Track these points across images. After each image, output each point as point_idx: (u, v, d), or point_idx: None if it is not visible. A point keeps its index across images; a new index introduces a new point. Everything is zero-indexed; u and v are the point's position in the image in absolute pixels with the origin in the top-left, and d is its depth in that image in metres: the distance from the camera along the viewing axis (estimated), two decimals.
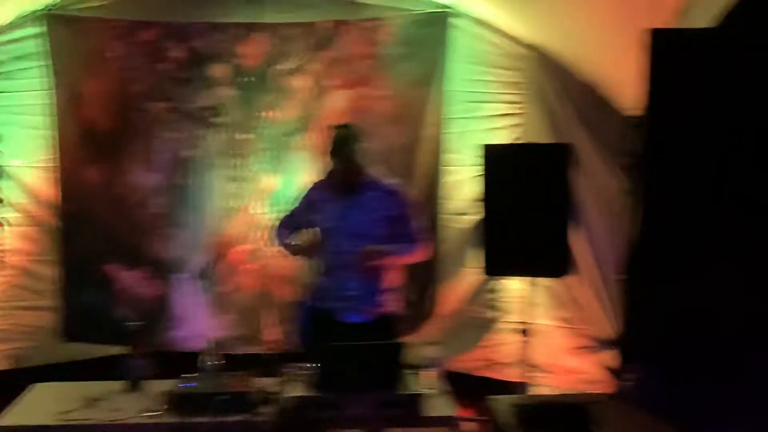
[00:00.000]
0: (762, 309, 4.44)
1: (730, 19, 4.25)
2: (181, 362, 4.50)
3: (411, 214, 4.48)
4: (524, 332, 5.02)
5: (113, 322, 5.50)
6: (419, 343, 4.18)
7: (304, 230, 4.43)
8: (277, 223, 4.60)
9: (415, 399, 3.67)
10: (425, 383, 3.99)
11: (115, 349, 5.42)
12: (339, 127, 4.47)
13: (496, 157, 4.91)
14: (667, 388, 4.96)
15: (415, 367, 3.99)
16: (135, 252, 5.60)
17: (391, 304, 4.52)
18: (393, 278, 4.50)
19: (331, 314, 4.41)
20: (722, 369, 4.70)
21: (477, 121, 5.71)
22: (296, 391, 3.71)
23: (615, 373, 5.45)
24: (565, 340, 5.61)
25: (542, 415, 2.93)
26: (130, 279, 5.58)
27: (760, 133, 3.54)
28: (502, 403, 3.21)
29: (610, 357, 5.50)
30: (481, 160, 4.90)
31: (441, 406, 3.84)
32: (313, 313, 4.47)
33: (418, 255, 4.52)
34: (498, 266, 4.95)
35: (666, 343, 5.08)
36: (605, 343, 5.50)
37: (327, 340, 4.22)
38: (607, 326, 5.51)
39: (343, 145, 4.35)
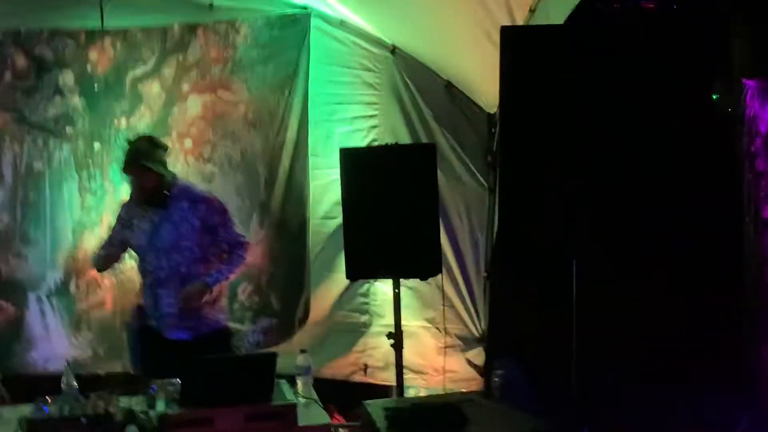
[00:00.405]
0: (625, 301, 4.60)
1: (580, 15, 4.36)
2: (41, 385, 4.33)
3: (226, 220, 4.39)
4: (389, 336, 4.99)
5: None
6: (291, 352, 4.09)
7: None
8: (97, 253, 4.49)
9: (289, 409, 3.59)
10: (298, 392, 3.93)
11: None
12: (131, 141, 4.35)
13: (355, 160, 4.85)
14: (532, 383, 5.06)
15: (288, 377, 3.91)
16: None
17: (215, 317, 4.43)
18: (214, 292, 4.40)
19: (157, 333, 4.32)
20: (586, 362, 4.83)
21: (339, 123, 5.65)
22: (164, 408, 3.56)
23: (482, 370, 5.52)
24: (434, 341, 5.62)
25: (416, 417, 2.90)
26: None
27: (610, 126, 3.62)
28: (376, 407, 3.17)
29: (477, 355, 5.57)
30: (340, 164, 4.84)
31: (315, 414, 3.78)
32: (141, 332, 4.39)
33: (240, 264, 4.47)
34: (361, 269, 4.89)
35: (529, 339, 5.19)
36: (471, 342, 5.55)
37: (156, 360, 4.20)
38: (471, 325, 5.56)
39: (133, 160, 4.23)
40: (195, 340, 4.29)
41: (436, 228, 4.82)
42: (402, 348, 4.98)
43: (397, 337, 4.95)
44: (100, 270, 4.68)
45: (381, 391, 5.83)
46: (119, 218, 4.37)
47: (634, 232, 3.83)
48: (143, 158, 4.23)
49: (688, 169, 3.69)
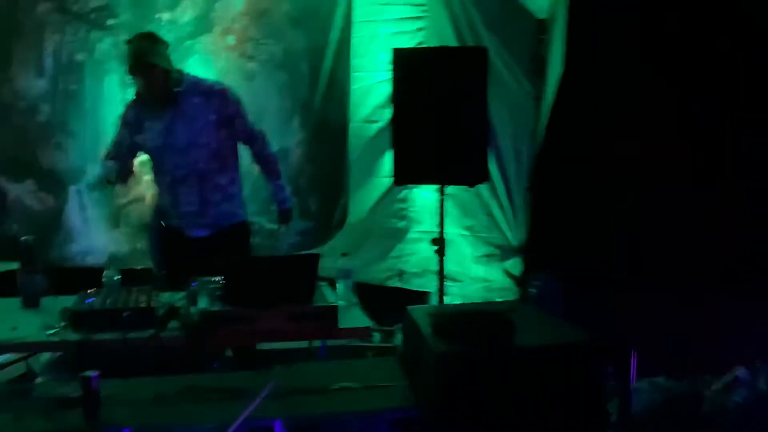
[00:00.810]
0: (660, 224, 4.55)
1: None
2: (78, 278, 4.34)
3: (241, 112, 4.23)
4: (434, 242, 4.96)
5: (2, 237, 5.26)
6: (331, 255, 4.06)
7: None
8: (104, 155, 4.27)
9: (330, 311, 3.58)
10: (338, 295, 3.92)
11: (3, 265, 5.23)
12: (130, 41, 4.10)
13: (407, 62, 4.72)
14: (569, 296, 5.04)
15: (328, 279, 3.90)
16: (23, 163, 5.27)
17: (234, 212, 4.33)
18: (232, 186, 4.30)
19: (177, 231, 4.24)
20: (622, 282, 4.80)
21: (384, 24, 5.53)
22: (205, 305, 3.56)
23: (519, 281, 5.49)
24: (472, 249, 5.59)
25: (461, 323, 2.86)
26: (18, 192, 5.27)
27: None
28: (420, 312, 3.13)
29: (514, 265, 5.53)
30: (392, 65, 4.72)
31: (355, 317, 3.78)
32: (162, 231, 4.30)
33: (277, 160, 4.41)
34: (408, 174, 4.82)
35: (569, 252, 5.15)
36: (510, 252, 5.51)
37: (177, 258, 4.17)
38: (510, 235, 5.51)
39: (138, 59, 4.01)
40: (215, 236, 4.22)
41: (485, 134, 4.74)
42: (444, 255, 4.95)
43: (440, 243, 4.90)
44: (112, 183, 4.28)
45: (416, 297, 5.85)
46: (126, 123, 4.18)
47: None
48: (148, 56, 4.02)
49: None
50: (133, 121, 4.15)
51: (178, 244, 4.23)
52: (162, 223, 4.28)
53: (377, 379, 3.05)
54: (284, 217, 4.40)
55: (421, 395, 2.82)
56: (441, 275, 4.94)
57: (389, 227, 5.77)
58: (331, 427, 2.77)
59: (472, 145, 4.66)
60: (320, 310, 3.57)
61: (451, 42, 5.30)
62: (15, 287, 3.90)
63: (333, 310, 3.57)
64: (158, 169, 4.22)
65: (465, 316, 2.95)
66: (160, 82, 4.04)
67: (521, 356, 2.70)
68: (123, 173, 4.21)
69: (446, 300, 5.57)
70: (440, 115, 4.62)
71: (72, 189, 5.30)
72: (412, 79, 4.66)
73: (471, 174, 4.76)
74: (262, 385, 2.79)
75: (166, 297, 3.77)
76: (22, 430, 2.57)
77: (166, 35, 5.04)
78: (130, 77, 4.09)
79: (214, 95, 4.14)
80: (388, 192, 5.69)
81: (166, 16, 5.21)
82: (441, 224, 4.90)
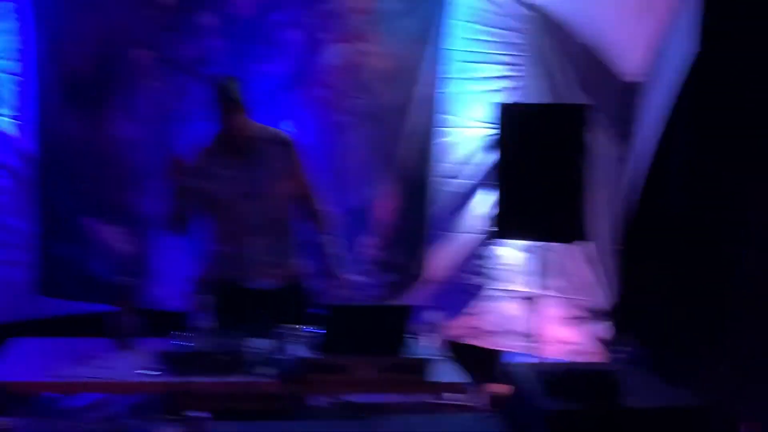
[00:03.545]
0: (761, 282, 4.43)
1: None
2: (163, 321, 4.36)
3: (303, 162, 4.26)
4: (521, 300, 4.93)
5: (91, 279, 5.33)
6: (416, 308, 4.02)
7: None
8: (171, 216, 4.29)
9: (423, 364, 3.56)
10: (428, 348, 3.89)
11: (91, 306, 5.30)
12: (221, 80, 4.14)
13: (513, 117, 4.78)
14: (659, 361, 4.91)
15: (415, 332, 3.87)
16: (116, 207, 5.36)
17: (300, 265, 4.31)
18: (298, 238, 4.30)
19: (235, 283, 4.19)
20: (718, 346, 4.67)
21: (474, 81, 5.56)
22: (296, 352, 3.56)
23: (607, 344, 5.39)
24: (557, 310, 5.51)
25: (570, 380, 2.81)
26: (109, 234, 5.35)
27: None
28: (522, 368, 3.09)
29: (603, 328, 5.44)
30: (497, 120, 4.78)
31: (446, 371, 3.75)
32: (216, 284, 4.21)
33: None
34: (508, 229, 4.84)
35: (660, 316, 5.04)
36: (598, 314, 5.42)
37: (233, 311, 4.07)
38: (600, 297, 5.43)
39: (228, 99, 4.05)
40: (276, 288, 4.19)
41: (582, 192, 4.74)
42: (533, 313, 4.90)
43: (529, 301, 4.87)
44: (179, 234, 4.34)
45: (491, 355, 5.78)
46: (192, 171, 4.12)
47: None
48: (237, 94, 4.08)
49: None
50: (202, 168, 4.14)
51: (238, 297, 4.17)
52: (220, 275, 4.23)
53: None
54: (332, 270, 4.31)
55: None
56: (530, 334, 4.88)
57: (468, 283, 5.73)
58: None
59: (570, 202, 4.65)
60: (413, 362, 3.56)
61: (541, 101, 5.29)
62: (107, 329, 3.95)
63: (427, 363, 3.56)
64: (225, 218, 4.18)
65: (571, 373, 2.89)
66: (242, 126, 4.09)
67: (634, 417, 2.64)
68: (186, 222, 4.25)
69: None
70: (541, 171, 4.67)
71: (159, 234, 5.35)
72: (515, 134, 4.72)
73: (568, 231, 4.74)
74: None
75: (255, 343, 3.78)
76: None
77: (261, 86, 5.20)
78: (213, 117, 4.10)
79: (281, 144, 4.20)
80: (469, 247, 5.66)
81: (261, 67, 5.29)
82: (530, 281, 4.87)
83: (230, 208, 4.14)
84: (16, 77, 5.34)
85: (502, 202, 4.77)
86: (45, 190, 5.34)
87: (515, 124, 4.75)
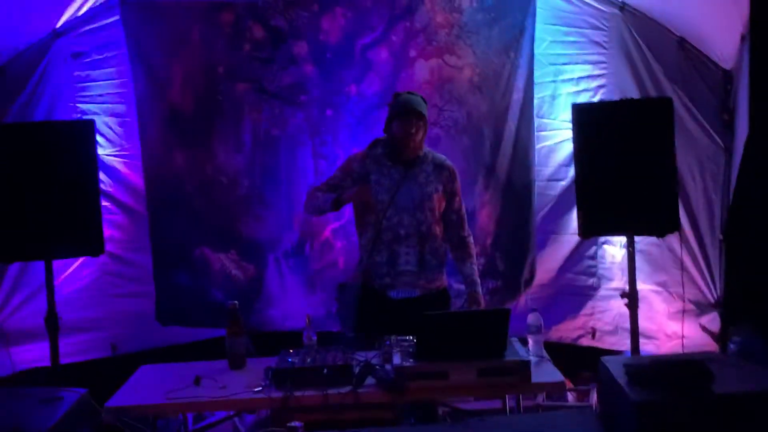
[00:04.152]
0: None
1: None
2: (277, 342, 4.54)
3: (460, 191, 4.45)
4: (623, 295, 4.91)
5: (207, 305, 5.56)
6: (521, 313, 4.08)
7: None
8: (310, 192, 4.51)
9: (523, 366, 3.60)
10: (530, 350, 3.93)
11: (208, 332, 5.53)
12: (399, 94, 4.38)
13: (588, 116, 4.82)
14: None
15: (517, 337, 3.93)
16: (226, 234, 5.58)
17: (444, 277, 4.46)
18: (445, 254, 4.44)
19: (378, 292, 4.35)
20: None
21: (565, 84, 5.60)
22: (398, 360, 3.66)
23: (717, 336, 5.30)
24: (665, 305, 5.46)
25: (658, 371, 2.82)
26: (222, 261, 5.58)
27: None
28: (615, 363, 3.11)
29: (712, 321, 5.35)
30: (573, 120, 4.82)
31: (547, 372, 3.78)
32: (360, 291, 4.39)
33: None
34: (595, 226, 4.85)
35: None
36: (705, 307, 5.34)
37: (375, 320, 4.28)
38: (706, 289, 5.35)
39: (414, 108, 4.25)
40: (420, 298, 4.33)
41: (673, 183, 4.71)
42: (637, 308, 4.89)
43: (632, 296, 4.84)
44: (312, 213, 4.61)
45: (609, 355, 5.75)
46: (349, 171, 4.39)
47: None
48: (422, 107, 4.28)
49: None
50: (358, 172, 4.38)
51: (380, 305, 4.35)
52: (366, 283, 4.39)
53: (575, 430, 3.03)
54: (474, 300, 4.43)
55: None
56: (634, 328, 4.85)
57: (579, 284, 5.73)
58: None
59: (660, 196, 4.63)
60: (512, 365, 3.60)
61: (634, 96, 5.26)
62: (223, 351, 4.15)
63: (525, 365, 3.60)
64: (378, 224, 4.31)
65: (661, 365, 2.91)
66: (420, 138, 4.30)
67: (722, 404, 2.63)
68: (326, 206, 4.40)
69: None
70: (625, 167, 4.66)
71: (270, 257, 5.56)
72: (594, 132, 4.74)
73: (660, 224, 4.72)
74: None
75: (362, 355, 3.91)
76: None
77: (355, 108, 5.36)
78: (390, 126, 4.32)
79: (446, 169, 4.40)
80: (577, 249, 5.68)
81: (353, 89, 5.45)
82: (631, 276, 4.85)
83: (381, 215, 4.30)
84: (123, 119, 5.62)
85: (584, 200, 4.80)
86: (157, 223, 5.58)
87: (590, 122, 4.79)
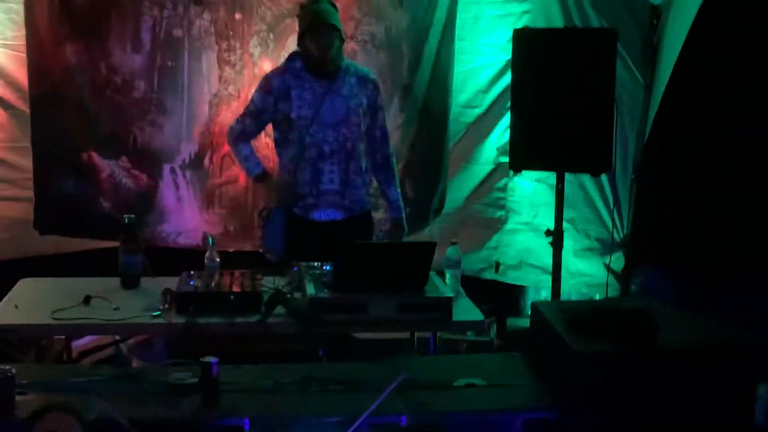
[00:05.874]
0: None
1: None
2: (169, 260, 4.26)
3: (383, 105, 4.29)
4: (548, 233, 4.81)
5: (92, 215, 5.15)
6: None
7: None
8: (234, 127, 4.29)
9: (445, 302, 3.42)
10: (449, 285, 3.76)
11: (92, 243, 5.16)
12: (308, 3, 4.10)
13: (527, 43, 4.61)
14: (674, 290, 4.81)
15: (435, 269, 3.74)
16: (117, 139, 5.11)
17: (368, 199, 4.33)
18: (367, 174, 4.29)
19: (301, 217, 4.15)
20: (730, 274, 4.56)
21: (488, 5, 5.38)
22: (314, 291, 3.42)
23: (620, 276, 5.28)
24: (572, 242, 5.37)
25: (599, 321, 2.67)
26: (111, 168, 5.15)
27: None
28: (549, 307, 2.95)
29: (616, 260, 5.31)
30: (513, 45, 4.62)
31: (466, 309, 3.63)
32: (282, 214, 4.18)
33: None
34: (525, 160, 4.68)
35: (675, 247, 4.92)
36: (612, 246, 5.28)
37: (299, 242, 4.07)
38: (613, 228, 5.29)
39: (324, 20, 4.00)
40: (344, 221, 4.16)
41: (610, 121, 4.54)
42: (561, 247, 4.80)
43: (557, 234, 4.75)
44: (264, 181, 4.36)
45: (511, 290, 5.68)
46: (270, 89, 4.14)
47: None
48: (333, 18, 4.04)
49: None
50: (279, 89, 4.11)
51: (302, 229, 4.15)
52: (286, 205, 4.17)
53: (503, 376, 2.87)
54: (398, 227, 4.31)
55: (559, 396, 2.63)
56: (557, 268, 4.76)
57: (487, 217, 5.59)
58: (460, 425, 2.59)
59: (596, 133, 4.48)
60: (434, 301, 3.42)
61: (558, 26, 5.08)
62: (110, 265, 3.82)
63: (447, 301, 3.43)
64: (301, 140, 4.09)
65: (603, 313, 2.76)
66: (334, 50, 4.04)
67: (675, 358, 2.50)
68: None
69: (542, 295, 5.40)
70: (562, 100, 4.49)
71: (166, 168, 5.17)
72: (532, 60, 4.54)
73: (594, 162, 4.58)
74: (384, 378, 2.61)
75: (269, 282, 3.65)
76: (139, 416, 2.44)
77: (266, 14, 4.97)
78: (303, 41, 4.08)
79: (370, 81, 4.19)
80: (487, 180, 5.53)
81: None
82: (558, 214, 4.78)
83: (304, 132, 4.08)
84: (6, 4, 5.07)
85: (516, 132, 4.65)
86: (41, 123, 5.08)
87: (530, 50, 4.60)
